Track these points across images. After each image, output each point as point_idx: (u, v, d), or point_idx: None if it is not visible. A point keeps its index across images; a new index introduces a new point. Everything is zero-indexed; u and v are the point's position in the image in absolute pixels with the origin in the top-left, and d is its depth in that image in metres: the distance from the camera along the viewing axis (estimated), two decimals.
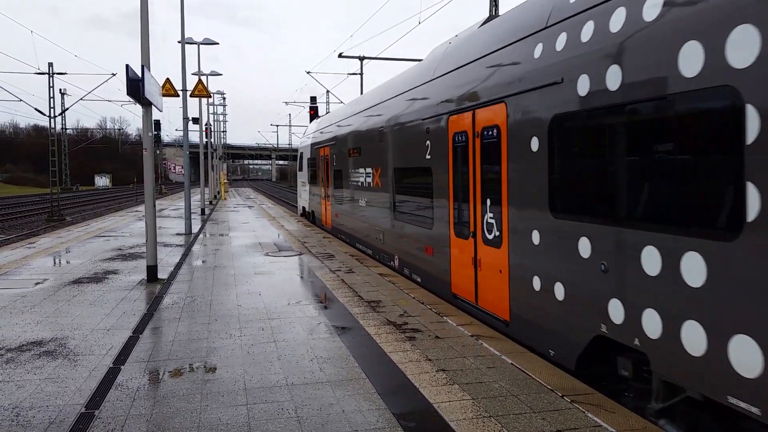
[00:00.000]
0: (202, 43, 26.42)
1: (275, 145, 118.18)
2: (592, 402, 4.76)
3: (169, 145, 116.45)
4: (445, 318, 7.49)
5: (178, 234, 18.47)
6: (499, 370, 5.53)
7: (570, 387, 5.10)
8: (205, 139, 36.38)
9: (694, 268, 4.04)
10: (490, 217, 7.20)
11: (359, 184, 14.22)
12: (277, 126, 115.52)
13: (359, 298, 8.76)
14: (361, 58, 32.27)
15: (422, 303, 8.34)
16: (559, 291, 5.71)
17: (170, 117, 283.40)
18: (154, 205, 10.67)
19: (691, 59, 4.04)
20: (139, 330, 7.08)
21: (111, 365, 5.79)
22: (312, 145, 20.96)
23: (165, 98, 16.68)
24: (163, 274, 10.82)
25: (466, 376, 5.39)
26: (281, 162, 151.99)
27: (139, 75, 9.96)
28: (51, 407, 4.74)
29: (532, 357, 5.94)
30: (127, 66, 9.91)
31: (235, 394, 5.00)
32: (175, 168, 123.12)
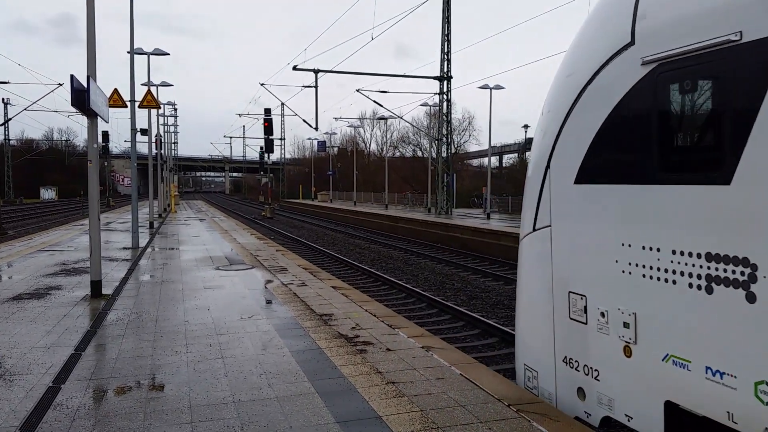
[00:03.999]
0: (152, 54, 26.00)
1: (229, 157, 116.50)
2: (537, 411, 4.85)
3: (117, 156, 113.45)
4: (396, 330, 7.52)
5: (124, 248, 17.98)
6: (448, 381, 5.58)
7: (516, 396, 5.19)
8: (155, 151, 35.63)
9: None
10: None
11: None
12: (231, 138, 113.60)
13: (311, 311, 8.71)
14: (316, 71, 32.34)
15: (375, 316, 8.35)
16: None
17: (119, 128, 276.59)
18: (99, 218, 10.38)
19: None
20: (81, 347, 6.85)
21: (50, 384, 5.57)
22: None
23: (114, 109, 16.32)
24: (108, 290, 10.51)
25: (415, 387, 5.42)
26: (235, 174, 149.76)
27: (85, 85, 9.72)
28: None
29: (480, 367, 6.02)
30: (72, 76, 9.65)
31: (180, 412, 4.89)
32: (123, 180, 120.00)
